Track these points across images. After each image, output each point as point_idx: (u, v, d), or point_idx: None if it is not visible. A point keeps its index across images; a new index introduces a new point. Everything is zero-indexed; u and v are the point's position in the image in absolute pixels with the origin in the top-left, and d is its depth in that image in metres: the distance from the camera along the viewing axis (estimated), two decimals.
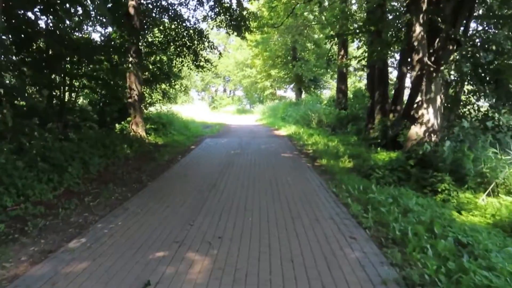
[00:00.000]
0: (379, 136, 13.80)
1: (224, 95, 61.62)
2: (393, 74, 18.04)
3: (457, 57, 8.35)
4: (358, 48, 19.21)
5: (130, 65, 12.38)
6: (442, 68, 7.90)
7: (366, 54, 14.12)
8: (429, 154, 7.52)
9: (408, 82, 19.77)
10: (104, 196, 6.32)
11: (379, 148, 12.03)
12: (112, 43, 11.66)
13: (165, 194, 6.59)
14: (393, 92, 15.60)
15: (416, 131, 8.04)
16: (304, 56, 27.67)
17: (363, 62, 15.57)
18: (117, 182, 7.42)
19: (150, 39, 13.58)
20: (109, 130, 11.25)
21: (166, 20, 14.54)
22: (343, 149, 12.17)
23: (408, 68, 17.42)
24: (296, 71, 25.63)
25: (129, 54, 12.37)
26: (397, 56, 16.69)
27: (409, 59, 8.35)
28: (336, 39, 14.36)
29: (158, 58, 14.99)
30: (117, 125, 12.56)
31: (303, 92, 29.25)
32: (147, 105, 16.50)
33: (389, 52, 14.88)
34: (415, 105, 7.94)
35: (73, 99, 10.65)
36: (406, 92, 15.32)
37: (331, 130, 18.08)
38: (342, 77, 19.18)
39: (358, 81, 29.53)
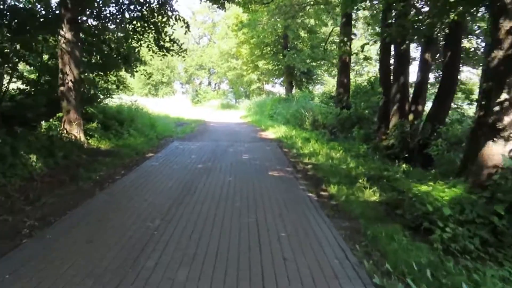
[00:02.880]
0: (396, 145, 10.63)
1: (208, 88, 57.90)
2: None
3: None
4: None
5: (61, 40, 8.87)
6: None
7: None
8: None
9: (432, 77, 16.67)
10: None
11: (404, 165, 8.80)
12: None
13: (46, 267, 3.20)
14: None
15: (499, 150, 4.75)
16: (297, 45, 24.26)
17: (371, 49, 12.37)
18: None
19: (95, 7, 9.97)
20: (22, 132, 7.70)
21: None
22: (353, 163, 8.91)
23: (437, 58, 14.30)
24: (288, 62, 22.22)
25: (62, 24, 8.86)
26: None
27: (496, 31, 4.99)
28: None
29: (112, 36, 11.42)
30: (43, 123, 9.03)
31: (294, 86, 25.90)
32: (99, 97, 12.96)
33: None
34: (497, 107, 4.67)
35: None
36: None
37: (329, 134, 14.80)
38: (344, 68, 15.86)
39: (358, 75, 26.35)
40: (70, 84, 9.08)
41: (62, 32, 8.85)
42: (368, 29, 18.42)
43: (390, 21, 9.52)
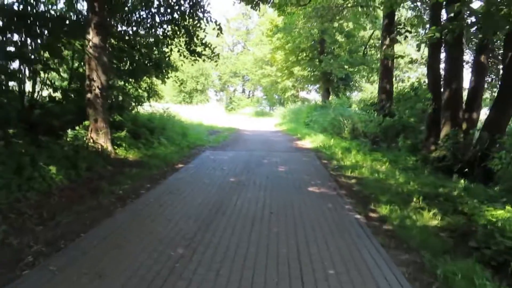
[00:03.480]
0: (448, 157, 9.53)
1: (242, 95, 57.64)
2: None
3: None
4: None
5: (88, 45, 8.47)
6: None
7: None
8: None
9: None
10: None
11: (463, 180, 7.72)
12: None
13: None
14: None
15: None
16: (334, 50, 23.27)
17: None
18: None
19: (125, 12, 9.56)
20: (46, 141, 7.28)
21: None
22: (402, 178, 7.93)
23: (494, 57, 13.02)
24: (325, 68, 21.26)
25: (89, 29, 8.48)
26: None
27: None
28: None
29: (143, 41, 11.00)
30: (69, 131, 8.62)
31: (331, 93, 24.87)
32: (130, 104, 12.59)
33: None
34: None
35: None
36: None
37: (371, 144, 13.75)
38: (387, 73, 14.77)
39: (399, 81, 24.99)
40: (97, 91, 8.64)
41: (89, 37, 8.45)
42: (413, 32, 17.21)
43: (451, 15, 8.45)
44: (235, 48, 59.84)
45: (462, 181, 7.60)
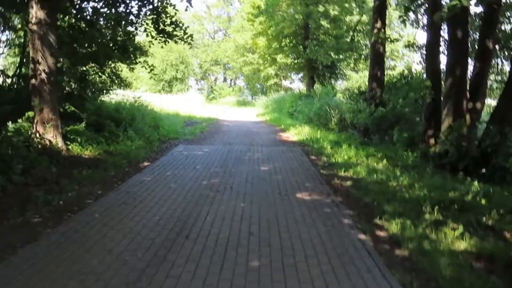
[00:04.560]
0: (452, 152, 8.47)
1: (224, 84, 55.90)
2: None
3: None
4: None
5: (31, 21, 6.99)
6: None
7: None
8: None
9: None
10: None
11: (476, 182, 6.60)
12: None
13: None
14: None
15: None
16: (319, 35, 21.97)
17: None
18: None
19: None
20: None
21: None
22: (405, 179, 6.79)
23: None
24: (310, 54, 19.97)
25: (32, 1, 6.99)
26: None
27: None
28: None
29: (103, 19, 9.48)
30: (10, 124, 7.17)
31: (316, 82, 23.64)
32: (96, 92, 11.13)
33: None
34: None
35: None
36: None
37: (362, 136, 12.62)
38: (378, 59, 13.61)
39: (388, 69, 23.91)
40: (43, 75, 7.16)
41: (31, 11, 6.97)
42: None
43: None
44: (216, 36, 57.93)
45: (475, 183, 6.49)
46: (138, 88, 44.22)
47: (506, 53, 11.95)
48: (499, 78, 13.28)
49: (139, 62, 10.96)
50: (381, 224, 4.59)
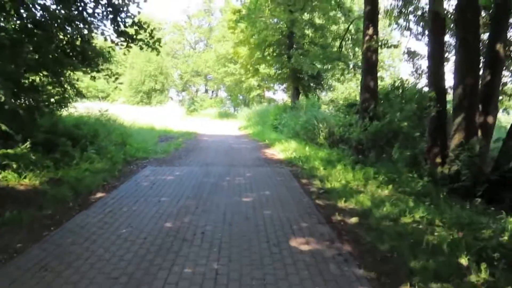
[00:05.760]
0: (466, 175, 7.25)
1: (205, 96, 54.38)
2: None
3: None
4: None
5: None
6: None
7: None
8: None
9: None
10: None
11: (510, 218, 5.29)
12: None
13: None
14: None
15: None
16: (304, 44, 20.81)
17: None
18: None
19: None
20: None
21: None
22: (422, 211, 5.45)
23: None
24: (294, 64, 18.74)
25: None
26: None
27: None
28: None
29: (54, 20, 7.93)
30: None
31: (301, 93, 22.40)
32: (51, 106, 9.51)
33: None
34: None
35: None
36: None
37: (356, 153, 11.29)
38: (371, 69, 12.37)
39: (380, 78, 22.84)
40: None
41: None
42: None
43: None
44: (197, 46, 56.57)
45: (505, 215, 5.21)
46: (116, 100, 42.48)
47: None
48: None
49: (102, 69, 9.42)
50: None
